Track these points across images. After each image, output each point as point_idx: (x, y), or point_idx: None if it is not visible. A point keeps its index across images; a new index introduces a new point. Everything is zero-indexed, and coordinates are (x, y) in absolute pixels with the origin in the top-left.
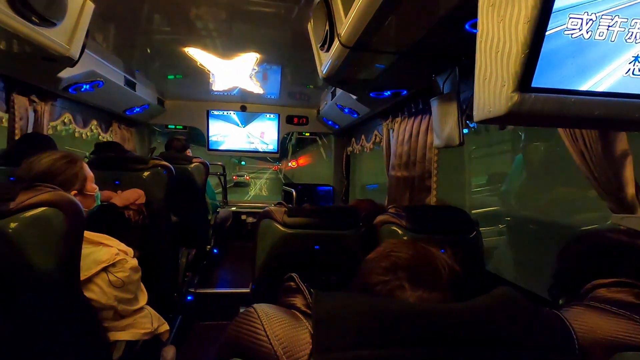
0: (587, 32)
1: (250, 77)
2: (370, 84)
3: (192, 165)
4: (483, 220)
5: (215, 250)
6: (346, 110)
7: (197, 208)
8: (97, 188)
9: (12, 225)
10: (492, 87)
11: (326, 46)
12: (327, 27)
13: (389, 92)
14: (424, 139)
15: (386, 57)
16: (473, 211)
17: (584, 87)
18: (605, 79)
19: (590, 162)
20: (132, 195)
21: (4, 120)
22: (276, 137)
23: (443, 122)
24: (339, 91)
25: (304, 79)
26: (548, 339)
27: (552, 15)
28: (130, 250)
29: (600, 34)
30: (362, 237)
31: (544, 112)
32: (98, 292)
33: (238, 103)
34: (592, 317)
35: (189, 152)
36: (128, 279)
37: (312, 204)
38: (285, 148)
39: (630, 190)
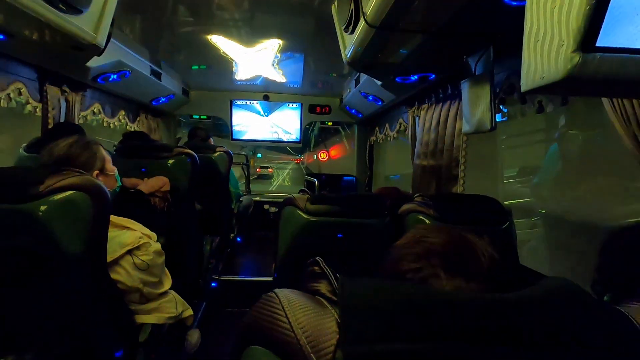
0: None
1: (273, 65)
2: (397, 68)
3: (216, 154)
4: (516, 212)
5: (238, 239)
6: (370, 98)
7: (221, 196)
8: (116, 169)
9: (42, 208)
10: (547, 49)
11: (351, 27)
12: (352, 7)
13: (415, 77)
14: (453, 126)
15: (415, 37)
16: (505, 202)
17: None
18: None
19: None
20: (157, 183)
21: (37, 109)
22: (299, 127)
23: (474, 106)
24: (362, 78)
25: (326, 67)
26: (617, 338)
27: None
28: (153, 235)
29: None
30: (387, 226)
31: (610, 75)
32: (124, 274)
33: (261, 92)
34: None
35: (211, 141)
36: (152, 262)
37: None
38: (308, 139)
39: None
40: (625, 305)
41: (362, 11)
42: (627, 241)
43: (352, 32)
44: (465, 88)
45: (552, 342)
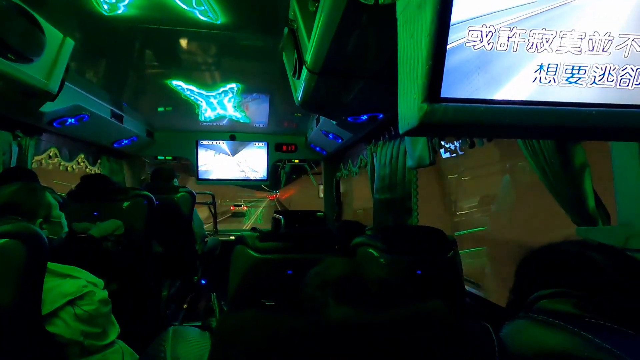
0: (489, 44)
1: (236, 108)
2: (346, 108)
3: (179, 194)
4: (467, 241)
5: (203, 281)
6: (330, 136)
7: (183, 238)
8: (63, 214)
9: None
10: (408, 101)
11: (297, 74)
12: (296, 55)
13: (365, 116)
14: (403, 161)
15: (354, 82)
16: (456, 233)
17: (495, 97)
18: (516, 88)
19: (552, 176)
20: (109, 226)
21: None
22: (266, 165)
23: (414, 144)
24: (322, 118)
25: (291, 108)
26: (465, 353)
27: (452, 27)
28: (100, 282)
29: (502, 45)
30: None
31: (455, 121)
32: (62, 327)
33: (227, 132)
34: (531, 329)
35: (175, 182)
36: (96, 312)
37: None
38: (278, 176)
39: (591, 202)
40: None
41: (303, 59)
42: (536, 262)
43: (299, 77)
44: None
45: (396, 356)
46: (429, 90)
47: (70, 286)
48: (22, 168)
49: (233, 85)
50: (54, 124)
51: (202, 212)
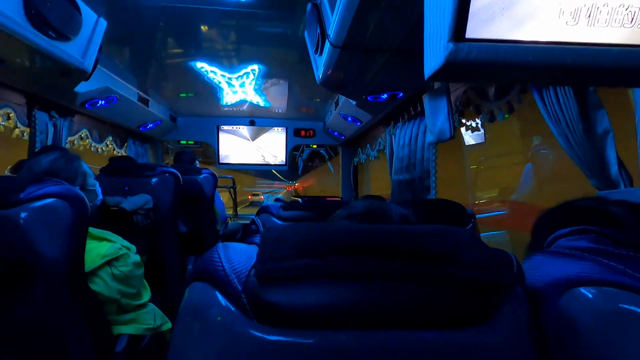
0: None
1: (257, 91)
2: (366, 86)
3: (202, 175)
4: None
5: None
6: (349, 119)
7: (206, 218)
8: (97, 183)
9: (22, 214)
10: (435, 42)
11: (319, 50)
12: (319, 30)
13: (385, 95)
14: (422, 140)
15: (377, 56)
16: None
17: (519, 38)
18: (539, 29)
19: (575, 144)
20: (140, 200)
21: (25, 134)
22: (285, 150)
23: (434, 117)
24: (341, 100)
25: (310, 93)
26: (484, 259)
27: None
28: (133, 247)
29: None
30: None
31: (479, 60)
32: (102, 285)
33: (247, 118)
34: (547, 260)
35: (196, 164)
36: (131, 273)
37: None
38: (296, 163)
39: (614, 167)
40: (527, 258)
41: (326, 33)
42: (553, 214)
43: (321, 54)
44: (427, 101)
45: (424, 257)
46: (455, 30)
47: (107, 248)
48: (58, 146)
49: (255, 67)
50: (86, 105)
51: (222, 196)
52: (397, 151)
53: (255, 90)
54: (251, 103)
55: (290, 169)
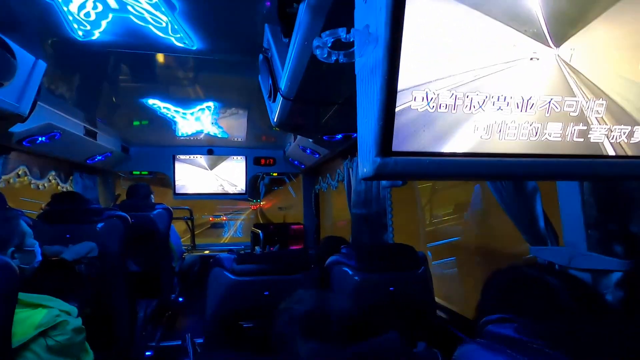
0: (432, 106)
1: (213, 124)
2: (321, 128)
3: (155, 212)
4: (439, 253)
5: (180, 299)
6: (308, 151)
7: (160, 256)
8: (37, 243)
9: None
10: (365, 152)
11: (272, 97)
12: (270, 82)
13: (340, 135)
14: None
15: (328, 107)
16: (429, 245)
17: (441, 150)
18: (458, 142)
19: (508, 199)
20: (82, 249)
21: None
22: (244, 179)
23: None
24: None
25: (269, 122)
26: None
27: (400, 93)
28: (74, 310)
29: (443, 107)
30: (314, 279)
31: (405, 172)
32: (34, 359)
33: (204, 147)
34: (476, 354)
35: (152, 198)
36: (69, 342)
37: (282, 244)
38: (257, 188)
39: (541, 224)
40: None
41: (278, 86)
42: (498, 283)
43: (274, 101)
44: None
45: None
46: (382, 145)
47: (42, 317)
48: None
49: (210, 103)
50: (24, 143)
51: (179, 227)
52: (355, 185)
53: (212, 123)
54: (208, 133)
55: (253, 193)
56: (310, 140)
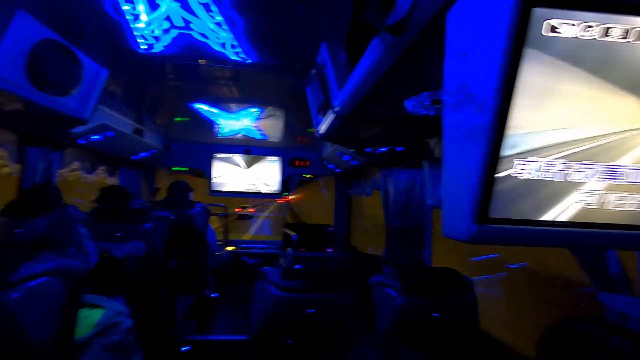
0: (535, 175)
1: (251, 126)
2: (365, 142)
3: (194, 210)
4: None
5: (214, 295)
6: (345, 158)
7: (198, 253)
8: (93, 244)
9: (12, 297)
10: (456, 215)
11: (323, 112)
12: (323, 98)
13: (385, 149)
14: (420, 193)
15: (378, 125)
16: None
17: (541, 218)
18: (560, 211)
19: None
20: (132, 248)
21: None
22: (279, 180)
23: (435, 184)
24: None
25: (306, 123)
26: None
27: (501, 160)
28: (125, 310)
29: (547, 176)
30: (354, 300)
31: (503, 240)
32: (91, 357)
33: (241, 146)
34: None
35: (190, 196)
36: (122, 341)
37: (311, 247)
38: (289, 185)
39: (614, 267)
40: None
41: (331, 104)
42: (559, 341)
43: (324, 115)
44: (427, 167)
45: None
46: (478, 212)
47: (99, 317)
48: (47, 185)
49: (254, 109)
50: (79, 141)
51: (212, 222)
52: (393, 195)
53: (251, 125)
54: (246, 134)
55: (284, 188)
56: (351, 150)
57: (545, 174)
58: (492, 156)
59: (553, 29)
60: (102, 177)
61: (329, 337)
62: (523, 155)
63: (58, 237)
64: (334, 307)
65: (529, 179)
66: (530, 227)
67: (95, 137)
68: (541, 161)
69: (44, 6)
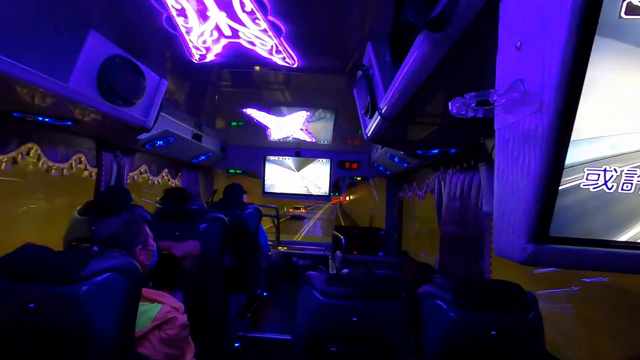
0: (610, 187)
1: (302, 130)
2: (416, 144)
3: (247, 211)
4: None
5: (265, 294)
6: (396, 160)
7: (250, 252)
8: (155, 245)
9: (82, 290)
10: (508, 231)
11: (369, 115)
12: (369, 99)
13: (436, 150)
14: (476, 197)
15: (429, 126)
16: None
17: (617, 238)
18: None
19: None
20: (189, 247)
21: (92, 174)
22: (328, 182)
23: (492, 189)
24: None
25: (356, 125)
26: None
27: (567, 170)
28: (181, 306)
29: (626, 187)
30: (402, 310)
31: (565, 263)
32: (150, 348)
33: (293, 149)
34: None
35: (244, 198)
36: (177, 336)
37: (362, 251)
38: (339, 187)
39: None
40: None
41: (377, 106)
42: None
43: (370, 117)
44: (483, 170)
45: None
46: (536, 229)
47: (157, 311)
48: (119, 187)
49: (303, 112)
50: (146, 146)
51: (264, 223)
52: (447, 200)
53: (301, 129)
54: (297, 138)
55: (334, 190)
56: (402, 152)
57: (624, 185)
58: (554, 165)
59: (635, 9)
60: (166, 180)
61: (373, 348)
62: (594, 163)
63: (127, 235)
64: (380, 316)
65: (602, 190)
66: (602, 249)
67: (159, 142)
68: (619, 171)
69: (111, 25)
